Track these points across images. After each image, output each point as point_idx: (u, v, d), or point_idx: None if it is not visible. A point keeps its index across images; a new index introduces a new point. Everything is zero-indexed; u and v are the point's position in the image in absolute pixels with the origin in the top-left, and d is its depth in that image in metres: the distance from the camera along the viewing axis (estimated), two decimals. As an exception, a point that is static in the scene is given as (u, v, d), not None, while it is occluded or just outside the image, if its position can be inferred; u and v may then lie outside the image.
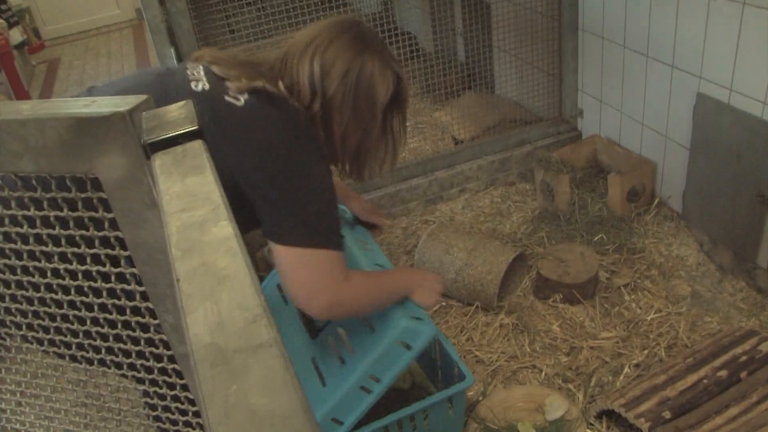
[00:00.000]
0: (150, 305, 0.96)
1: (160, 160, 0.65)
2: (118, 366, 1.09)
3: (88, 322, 1.07)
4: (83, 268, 0.98)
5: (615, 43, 2.91)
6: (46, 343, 1.18)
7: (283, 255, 1.50)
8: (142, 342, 1.02)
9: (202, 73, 1.59)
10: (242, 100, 1.51)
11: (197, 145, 0.66)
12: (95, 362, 1.17)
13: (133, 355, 1.04)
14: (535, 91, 3.42)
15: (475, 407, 2.19)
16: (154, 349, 1.03)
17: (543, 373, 2.32)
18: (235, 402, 0.38)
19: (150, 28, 2.37)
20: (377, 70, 1.63)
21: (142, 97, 0.76)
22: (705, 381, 2.00)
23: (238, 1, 2.72)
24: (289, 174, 1.48)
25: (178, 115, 0.71)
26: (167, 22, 2.46)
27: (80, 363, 1.21)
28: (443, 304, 2.63)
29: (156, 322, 0.97)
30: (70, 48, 7.54)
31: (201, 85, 1.55)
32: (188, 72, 1.59)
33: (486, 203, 3.23)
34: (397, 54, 3.55)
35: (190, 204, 0.56)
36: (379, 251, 2.06)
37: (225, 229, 0.53)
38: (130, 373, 1.14)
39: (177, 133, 0.68)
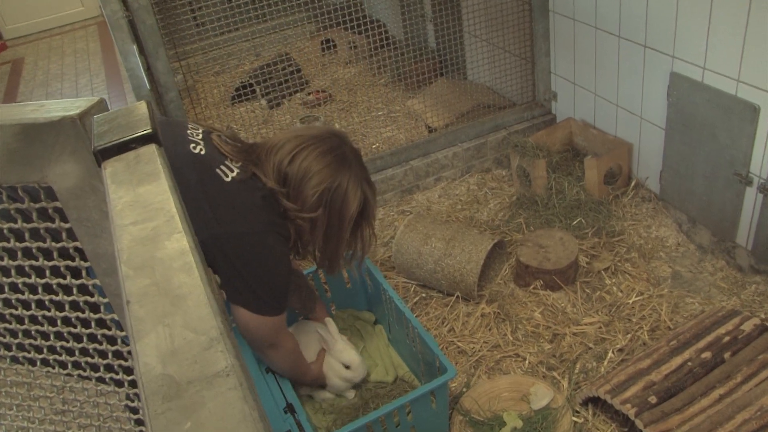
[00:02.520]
0: (116, 317, 0.91)
1: (111, 168, 0.60)
2: (88, 379, 1.05)
3: (52, 336, 1.02)
4: (42, 281, 0.93)
5: (586, 24, 2.88)
6: (14, 348, 1.13)
7: (238, 313, 1.78)
8: (110, 355, 0.97)
9: (200, 137, 1.74)
10: (230, 177, 1.68)
11: (151, 149, 0.61)
12: (63, 373, 1.12)
13: (102, 368, 0.99)
14: (508, 75, 3.38)
15: (460, 399, 2.16)
16: (122, 362, 0.98)
17: (527, 362, 2.29)
18: (189, 443, 0.34)
19: (110, 25, 2.29)
20: (351, 189, 1.80)
21: (94, 99, 0.71)
22: (689, 363, 1.99)
23: (202, -6, 2.65)
24: (256, 255, 1.69)
25: (132, 117, 0.66)
26: (129, 18, 2.38)
27: (53, 368, 1.16)
28: (423, 296, 2.59)
29: (123, 333, 0.92)
30: (34, 47, 7.38)
31: (198, 148, 1.70)
32: (189, 131, 1.75)
33: (462, 191, 3.20)
34: (367, 43, 3.51)
35: (142, 215, 0.51)
36: None
37: (180, 242, 0.48)
38: (99, 386, 1.09)
39: (129, 137, 0.63)
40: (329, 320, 2.15)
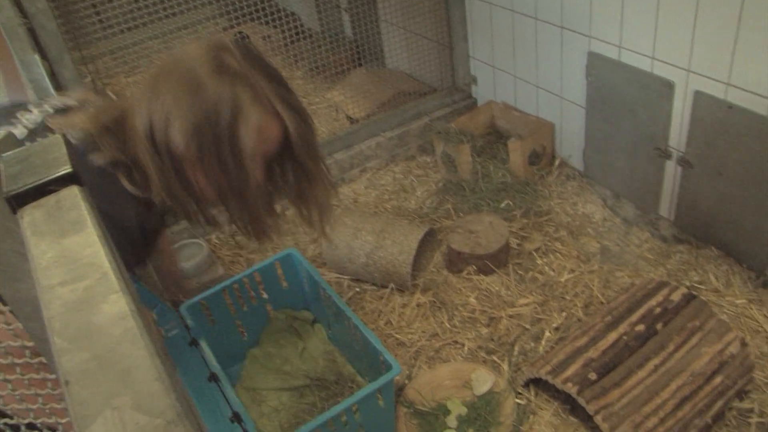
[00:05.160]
0: (43, 360, 0.85)
1: (29, 217, 0.54)
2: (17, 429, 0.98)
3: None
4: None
5: (502, 7, 2.89)
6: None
7: None
8: (41, 400, 0.91)
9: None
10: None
11: (73, 192, 0.55)
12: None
13: (32, 415, 0.93)
14: (427, 61, 3.37)
15: (403, 391, 2.15)
16: (55, 405, 0.92)
17: (466, 348, 2.29)
18: None
19: (6, 34, 2.15)
20: (242, 113, 1.34)
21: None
22: (625, 337, 2.03)
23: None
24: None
25: (48, 155, 0.60)
26: (28, 25, 2.24)
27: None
28: (357, 290, 2.57)
29: (53, 376, 0.87)
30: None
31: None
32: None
33: (388, 180, 3.18)
34: (281, 36, 3.43)
35: (71, 273, 0.47)
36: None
37: (117, 304, 0.44)
38: None
39: (47, 179, 0.57)
40: None
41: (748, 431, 1.91)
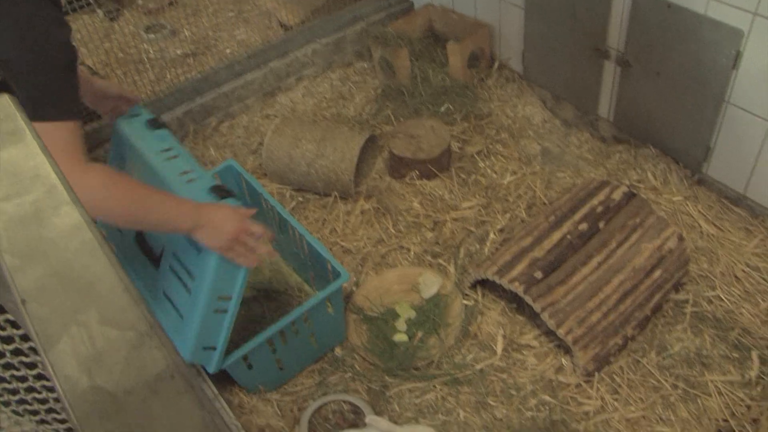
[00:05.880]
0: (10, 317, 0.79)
1: (-41, 131, 0.50)
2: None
3: None
4: None
5: None
6: None
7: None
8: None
9: None
10: None
11: (5, 101, 0.51)
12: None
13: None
14: (360, -37, 3.26)
15: (351, 298, 2.17)
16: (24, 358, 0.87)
17: (412, 253, 2.31)
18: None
19: None
20: None
21: None
22: (569, 236, 2.07)
23: None
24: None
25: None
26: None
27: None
28: (300, 199, 2.54)
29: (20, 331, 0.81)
30: None
31: None
32: None
33: (326, 88, 3.11)
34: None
35: (15, 187, 0.43)
36: (188, 155, 1.80)
37: (71, 216, 0.40)
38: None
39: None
40: (373, 417, 1.63)
41: (684, 320, 1.99)
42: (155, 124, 1.87)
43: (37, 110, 1.34)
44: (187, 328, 1.64)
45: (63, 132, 1.39)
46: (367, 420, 1.60)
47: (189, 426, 0.29)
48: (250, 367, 1.82)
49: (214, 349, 1.68)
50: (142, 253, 1.84)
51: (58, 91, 1.39)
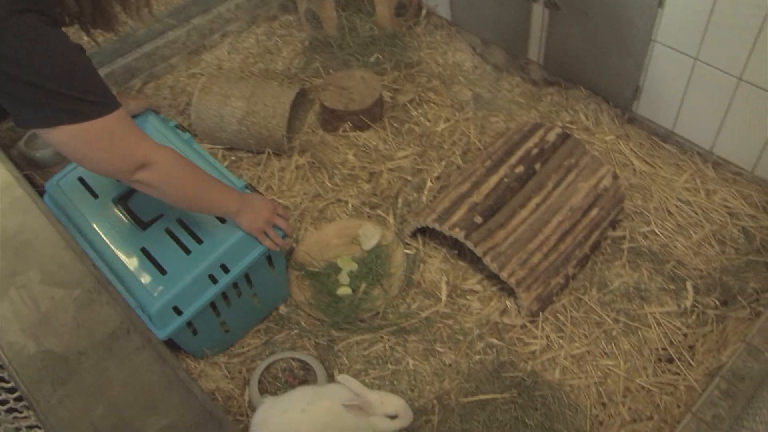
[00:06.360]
0: None
1: None
2: None
3: None
4: None
5: None
6: None
7: (61, 139, 1.29)
8: None
9: None
10: None
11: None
12: None
13: None
14: None
15: (292, 255, 2.14)
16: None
17: (350, 205, 2.29)
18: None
19: None
20: None
21: None
22: (506, 180, 2.07)
23: None
24: (26, 51, 1.26)
25: None
26: None
27: None
28: (233, 158, 2.49)
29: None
30: None
31: None
32: None
33: (252, 43, 3.03)
34: None
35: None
36: (222, 167, 1.91)
37: None
38: None
39: None
40: (345, 377, 1.64)
41: (622, 256, 2.04)
42: (179, 128, 2.02)
43: (82, 113, 1.31)
44: (169, 282, 1.65)
45: (116, 122, 1.37)
46: (338, 378, 1.64)
47: (151, 382, 0.26)
48: (195, 332, 1.79)
49: (180, 314, 1.66)
50: (126, 217, 1.77)
51: (93, 91, 1.36)
